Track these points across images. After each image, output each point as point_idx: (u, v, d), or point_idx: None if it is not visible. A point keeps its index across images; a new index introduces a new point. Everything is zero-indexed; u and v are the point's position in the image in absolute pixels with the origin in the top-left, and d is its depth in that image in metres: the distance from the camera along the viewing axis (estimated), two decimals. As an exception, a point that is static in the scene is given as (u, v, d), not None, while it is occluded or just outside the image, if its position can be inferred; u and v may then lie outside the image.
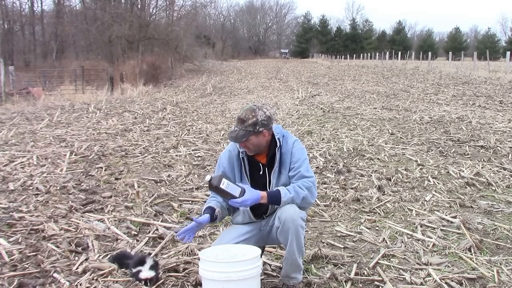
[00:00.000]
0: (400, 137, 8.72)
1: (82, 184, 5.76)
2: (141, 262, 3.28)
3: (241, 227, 3.18)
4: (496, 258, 3.63)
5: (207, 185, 2.89)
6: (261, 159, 3.13)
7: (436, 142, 8.18)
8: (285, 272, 3.09)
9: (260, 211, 3.16)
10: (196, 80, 27.88)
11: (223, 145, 8.19)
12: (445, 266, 3.51)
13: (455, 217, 4.52)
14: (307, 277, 3.27)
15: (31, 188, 5.60)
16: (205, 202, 4.99)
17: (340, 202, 5.06)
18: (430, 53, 41.47)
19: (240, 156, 3.11)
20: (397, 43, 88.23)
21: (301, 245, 2.98)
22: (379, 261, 3.59)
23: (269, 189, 3.08)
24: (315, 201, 4.71)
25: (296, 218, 2.90)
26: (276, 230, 3.00)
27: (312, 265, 3.53)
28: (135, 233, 4.23)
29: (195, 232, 3.05)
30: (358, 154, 7.36)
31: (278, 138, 3.09)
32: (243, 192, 2.90)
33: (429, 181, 5.80)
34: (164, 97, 17.51)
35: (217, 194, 2.93)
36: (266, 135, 3.04)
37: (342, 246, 3.92)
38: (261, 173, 3.11)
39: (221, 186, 2.83)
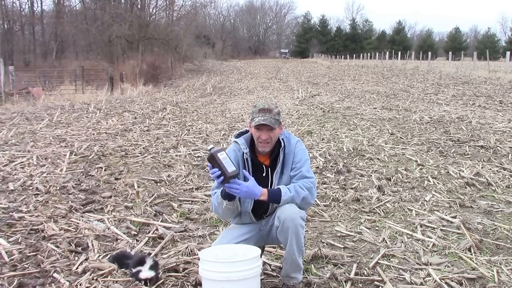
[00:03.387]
0: (400, 137, 8.71)
1: (82, 184, 5.76)
2: (141, 262, 3.28)
3: (241, 227, 3.18)
4: (496, 258, 3.63)
5: (207, 155, 2.83)
6: (264, 161, 3.14)
7: (436, 142, 8.18)
8: (285, 272, 3.09)
9: (260, 211, 3.17)
10: (196, 80, 27.89)
11: (223, 145, 8.19)
12: (445, 266, 3.51)
13: (455, 217, 4.52)
14: (307, 277, 3.28)
15: (31, 188, 5.60)
16: (204, 202, 5.03)
17: (340, 202, 5.06)
18: (430, 53, 41.50)
19: (244, 157, 3.11)
20: (397, 43, 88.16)
21: (301, 245, 2.98)
22: (379, 261, 3.59)
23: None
24: (315, 201, 4.72)
25: (296, 218, 2.91)
26: (276, 229, 3.00)
27: (312, 265, 3.53)
28: (135, 233, 4.23)
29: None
30: (358, 154, 7.36)
31: (283, 139, 3.11)
32: (236, 174, 2.82)
33: (429, 181, 5.80)
34: (164, 97, 17.51)
35: (213, 166, 2.82)
36: (281, 129, 3.12)
37: (342, 246, 3.92)
38: (264, 174, 3.12)
39: (218, 155, 2.78)
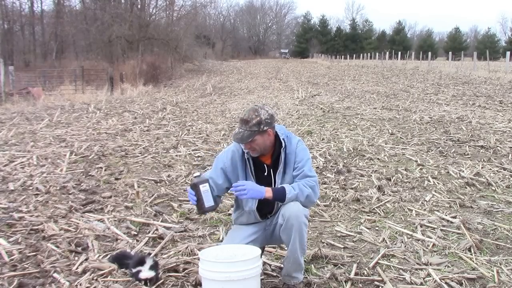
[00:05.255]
0: (400, 137, 8.71)
1: (82, 184, 5.76)
2: (141, 262, 3.28)
3: (247, 228, 3.17)
4: (496, 258, 3.63)
5: (191, 182, 2.90)
6: (265, 160, 3.13)
7: (436, 142, 8.18)
8: (287, 271, 3.09)
9: (265, 211, 3.16)
10: (196, 80, 27.88)
11: (223, 145, 8.19)
12: (445, 266, 3.51)
13: (455, 217, 4.52)
14: (307, 277, 3.27)
15: (31, 188, 5.60)
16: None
17: (340, 202, 5.06)
18: (430, 53, 41.53)
19: (245, 157, 3.10)
20: (397, 43, 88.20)
21: (303, 244, 2.99)
22: (379, 261, 3.59)
23: None
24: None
25: (300, 216, 2.91)
26: (279, 227, 3.00)
27: (312, 265, 3.53)
28: (135, 233, 4.23)
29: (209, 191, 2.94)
30: (358, 154, 7.36)
31: (283, 139, 3.09)
32: (212, 210, 2.93)
33: (429, 181, 5.80)
34: (164, 97, 17.51)
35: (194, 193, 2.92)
36: (271, 134, 3.04)
37: (342, 246, 3.92)
38: (265, 174, 3.11)
39: (200, 186, 2.83)
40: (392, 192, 5.38)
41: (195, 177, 2.86)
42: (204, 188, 2.83)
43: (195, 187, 2.83)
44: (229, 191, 3.13)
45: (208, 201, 2.85)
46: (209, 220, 4.52)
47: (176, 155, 7.44)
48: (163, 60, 33.14)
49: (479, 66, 33.83)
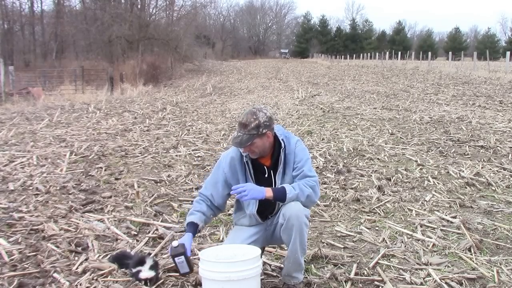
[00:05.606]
0: (400, 137, 8.71)
1: (82, 184, 5.76)
2: (141, 262, 3.28)
3: (248, 229, 3.17)
4: (496, 258, 3.63)
5: (170, 248, 3.00)
6: (265, 162, 3.12)
7: (436, 142, 8.18)
8: (287, 271, 3.09)
9: (266, 212, 3.16)
10: (196, 80, 27.87)
11: (223, 145, 8.19)
12: (445, 266, 3.51)
13: (455, 217, 4.52)
14: (307, 277, 3.27)
15: (31, 188, 5.60)
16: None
17: (340, 202, 5.06)
18: (430, 53, 41.54)
19: (244, 160, 3.09)
20: (397, 43, 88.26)
21: (304, 244, 2.98)
22: (379, 261, 3.59)
23: None
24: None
25: (300, 216, 2.91)
26: (280, 227, 3.00)
27: (312, 265, 3.53)
28: (135, 233, 4.23)
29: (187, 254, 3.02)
30: (358, 154, 7.36)
31: (282, 139, 3.08)
32: (186, 274, 3.02)
33: (429, 181, 5.80)
34: (164, 97, 17.51)
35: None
36: (270, 136, 3.03)
37: (342, 246, 3.92)
38: (266, 175, 3.10)
39: (176, 259, 2.93)
40: (392, 192, 5.38)
41: (174, 247, 2.95)
42: (179, 260, 2.95)
43: (172, 257, 2.97)
44: (231, 193, 3.13)
45: (183, 269, 2.98)
46: (209, 220, 4.52)
47: (176, 155, 7.44)
48: (163, 60, 33.16)
49: (479, 66, 33.83)
